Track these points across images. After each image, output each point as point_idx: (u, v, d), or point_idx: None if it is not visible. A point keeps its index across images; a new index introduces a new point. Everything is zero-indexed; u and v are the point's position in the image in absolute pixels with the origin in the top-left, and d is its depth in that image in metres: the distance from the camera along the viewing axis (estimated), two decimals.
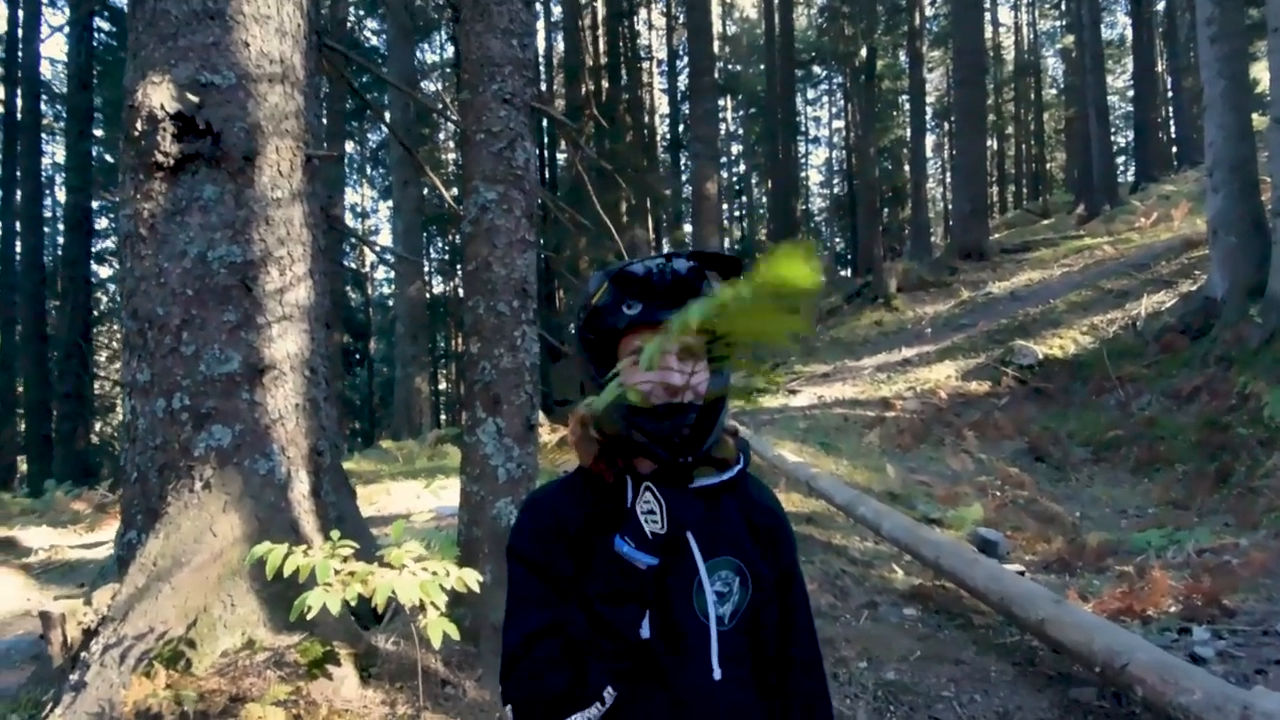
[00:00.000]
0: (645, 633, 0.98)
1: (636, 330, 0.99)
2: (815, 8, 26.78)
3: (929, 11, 23.02)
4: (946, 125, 28.13)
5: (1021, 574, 4.61)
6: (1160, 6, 20.21)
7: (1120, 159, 25.46)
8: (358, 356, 25.26)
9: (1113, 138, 20.80)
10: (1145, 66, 18.49)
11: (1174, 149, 20.12)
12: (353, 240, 17.98)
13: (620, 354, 1.02)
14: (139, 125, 2.69)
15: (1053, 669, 3.07)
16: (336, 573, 2.02)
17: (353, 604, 1.95)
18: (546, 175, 21.06)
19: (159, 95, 2.71)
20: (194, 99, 2.74)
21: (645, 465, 1.02)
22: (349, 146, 24.77)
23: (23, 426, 15.79)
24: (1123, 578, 4.87)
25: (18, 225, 15.46)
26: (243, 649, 2.42)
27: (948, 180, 28.93)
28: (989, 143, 25.21)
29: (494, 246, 2.95)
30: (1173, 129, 20.73)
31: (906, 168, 23.39)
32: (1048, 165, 29.21)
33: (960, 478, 7.85)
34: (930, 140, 29.41)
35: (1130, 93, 23.10)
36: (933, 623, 3.67)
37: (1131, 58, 20.22)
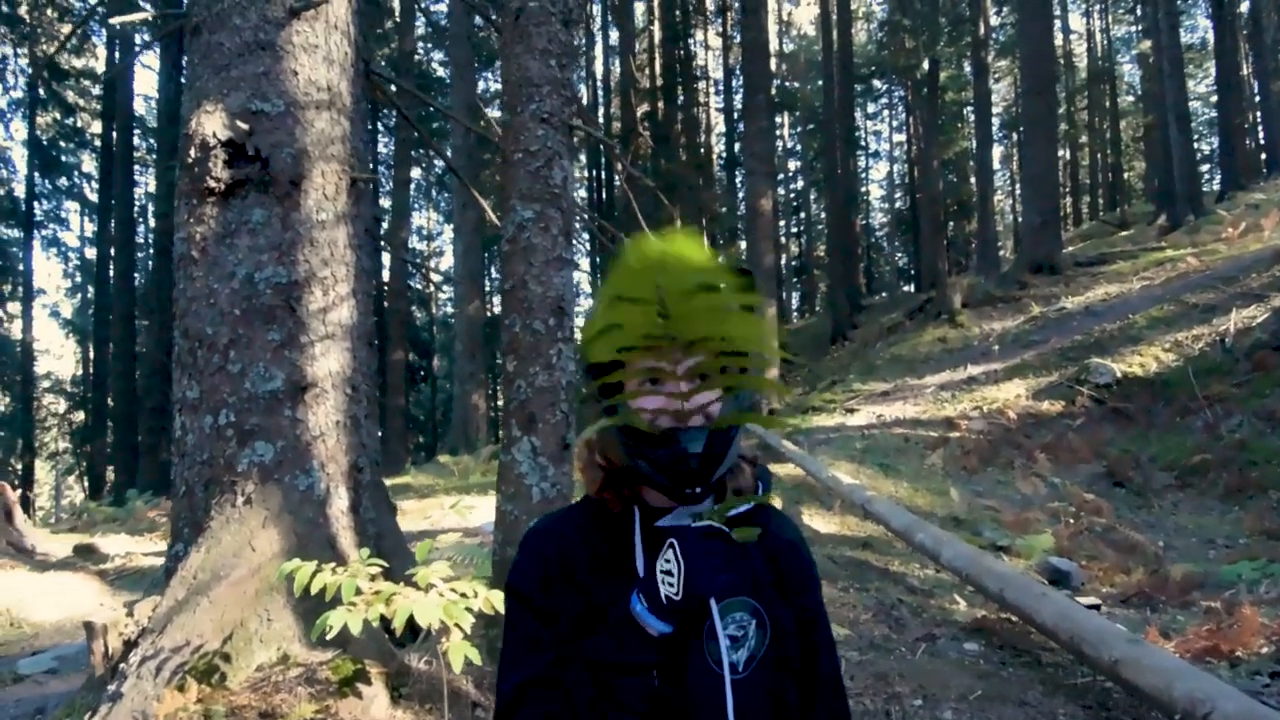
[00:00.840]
0: (655, 682, 0.91)
1: (640, 351, 0.93)
2: (875, 22, 26.42)
3: (994, 21, 22.38)
4: (1015, 136, 27.18)
5: (1096, 608, 4.29)
6: (1244, 8, 19.09)
7: (1204, 167, 24.06)
8: (422, 374, 25.98)
9: (1196, 145, 19.67)
10: (1229, 70, 17.44)
11: (1262, 155, 18.88)
12: (407, 261, 18.53)
13: (626, 375, 0.95)
14: (193, 152, 2.81)
15: (1127, 714, 2.81)
16: (361, 591, 2.00)
17: (374, 624, 1.93)
18: (602, 195, 21.29)
19: (212, 123, 2.82)
20: (244, 126, 2.84)
21: (655, 496, 0.95)
22: (415, 173, 25.74)
23: (111, 439, 16.79)
24: (1209, 614, 4.49)
25: (112, 251, 16.58)
26: (277, 664, 2.44)
27: (1017, 193, 27.87)
28: (1062, 153, 24.25)
29: (530, 265, 2.94)
30: (1260, 135, 19.47)
31: (972, 180, 22.68)
32: (1125, 175, 27.86)
33: (1031, 503, 7.44)
34: (998, 152, 28.48)
35: (1213, 98, 21.83)
36: (996, 659, 3.44)
37: (1214, 61, 19.12)
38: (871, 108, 31.55)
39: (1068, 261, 14.00)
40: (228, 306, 2.80)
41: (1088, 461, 8.26)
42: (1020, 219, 19.58)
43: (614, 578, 0.94)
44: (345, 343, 2.94)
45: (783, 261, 26.52)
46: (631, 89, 16.78)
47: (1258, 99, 18.75)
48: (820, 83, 24.93)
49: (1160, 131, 18.10)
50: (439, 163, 25.83)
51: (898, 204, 32.16)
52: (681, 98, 18.89)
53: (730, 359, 0.86)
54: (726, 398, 0.92)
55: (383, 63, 16.17)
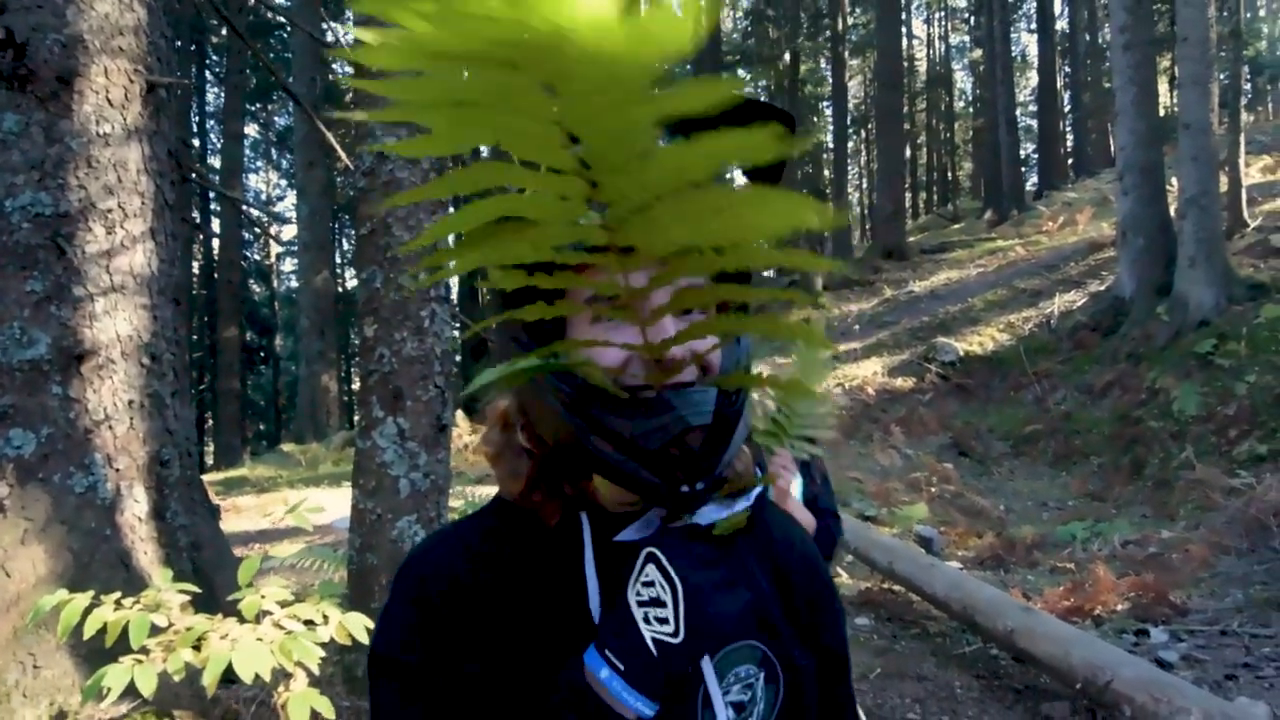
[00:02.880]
0: None
1: (598, 257, 0.55)
2: (741, 10, 26.95)
3: (849, 20, 23.52)
4: (864, 132, 28.90)
5: (961, 572, 4.46)
6: (1062, 25, 21.31)
7: (1023, 169, 26.82)
8: (262, 354, 23.73)
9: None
10: (1047, 81, 19.42)
11: (1070, 160, 21.26)
12: (245, 219, 16.71)
13: (573, 295, 0.57)
14: None
15: (1019, 682, 2.84)
16: (160, 630, 1.49)
17: (177, 677, 1.42)
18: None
19: None
20: None
21: (614, 493, 0.61)
22: (251, 130, 23.14)
23: None
24: (1058, 573, 4.82)
25: None
26: None
27: (864, 185, 29.80)
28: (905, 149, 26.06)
29: (395, 205, 2.45)
30: (1069, 141, 21.91)
31: (826, 171, 23.83)
32: (957, 173, 30.49)
33: (890, 473, 7.79)
34: (849, 145, 30.14)
35: (1032, 106, 24.30)
36: (888, 632, 3.41)
37: (1036, 72, 21.23)
38: None
39: (914, 249, 15.00)
40: None
41: (936, 433, 8.82)
42: (872, 208, 20.86)
43: (551, 629, 0.59)
44: (141, 298, 2.29)
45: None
46: None
47: (1069, 109, 21.03)
48: (689, 67, 25.12)
49: (990, 133, 19.84)
50: (280, 119, 23.43)
51: None
52: None
53: (729, 281, 0.50)
54: (727, 344, 0.58)
55: None
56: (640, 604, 0.53)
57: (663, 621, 0.52)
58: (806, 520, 1.41)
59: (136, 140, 2.31)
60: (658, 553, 0.54)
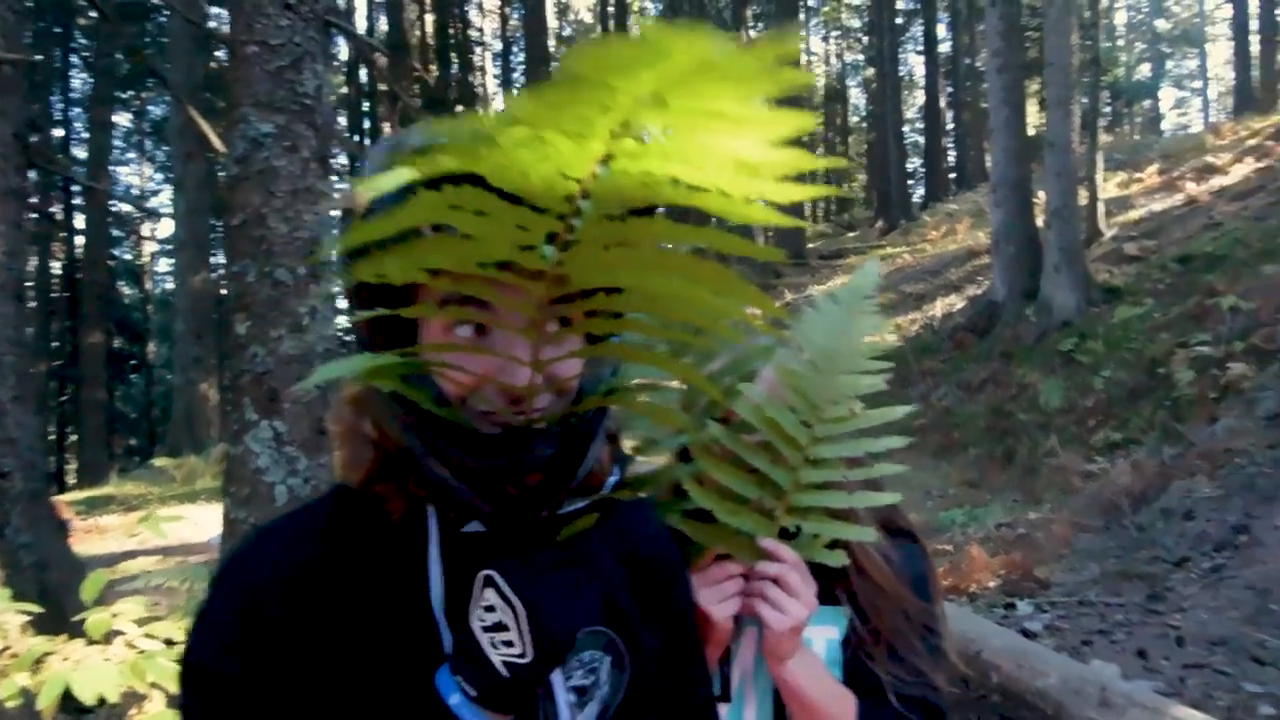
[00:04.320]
0: None
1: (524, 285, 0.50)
2: (649, 17, 27.33)
3: (751, 34, 24.31)
4: None
5: None
6: (945, 48, 22.84)
7: (910, 182, 28.55)
8: (133, 362, 21.92)
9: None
10: (932, 101, 20.77)
11: (952, 174, 22.81)
12: (113, 215, 15.46)
13: (423, 300, 0.54)
14: None
15: None
16: None
17: (9, 703, 1.27)
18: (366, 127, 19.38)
19: None
20: None
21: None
22: (123, 119, 21.35)
23: None
24: (939, 555, 5.13)
25: None
26: None
27: None
28: None
29: (270, 195, 2.32)
30: (951, 156, 23.50)
31: None
32: (851, 184, 32.09)
33: None
34: None
35: (920, 123, 25.90)
36: None
37: (923, 92, 22.65)
38: None
39: (813, 255, 15.65)
40: None
41: None
42: None
43: (391, 628, 0.56)
44: None
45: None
46: (406, 46, 15.47)
47: (952, 127, 22.52)
48: None
49: (881, 148, 21.02)
50: (155, 108, 21.71)
51: None
52: (456, 63, 17.86)
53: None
54: (593, 365, 0.58)
55: None
56: (485, 629, 0.52)
57: (509, 644, 0.51)
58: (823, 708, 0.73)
59: None
60: (495, 576, 0.52)
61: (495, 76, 25.10)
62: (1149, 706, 1.95)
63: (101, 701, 1.34)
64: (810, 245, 18.21)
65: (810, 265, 14.91)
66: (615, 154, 0.36)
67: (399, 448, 0.57)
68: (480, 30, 23.51)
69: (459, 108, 17.52)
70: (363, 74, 17.29)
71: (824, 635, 0.77)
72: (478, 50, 21.99)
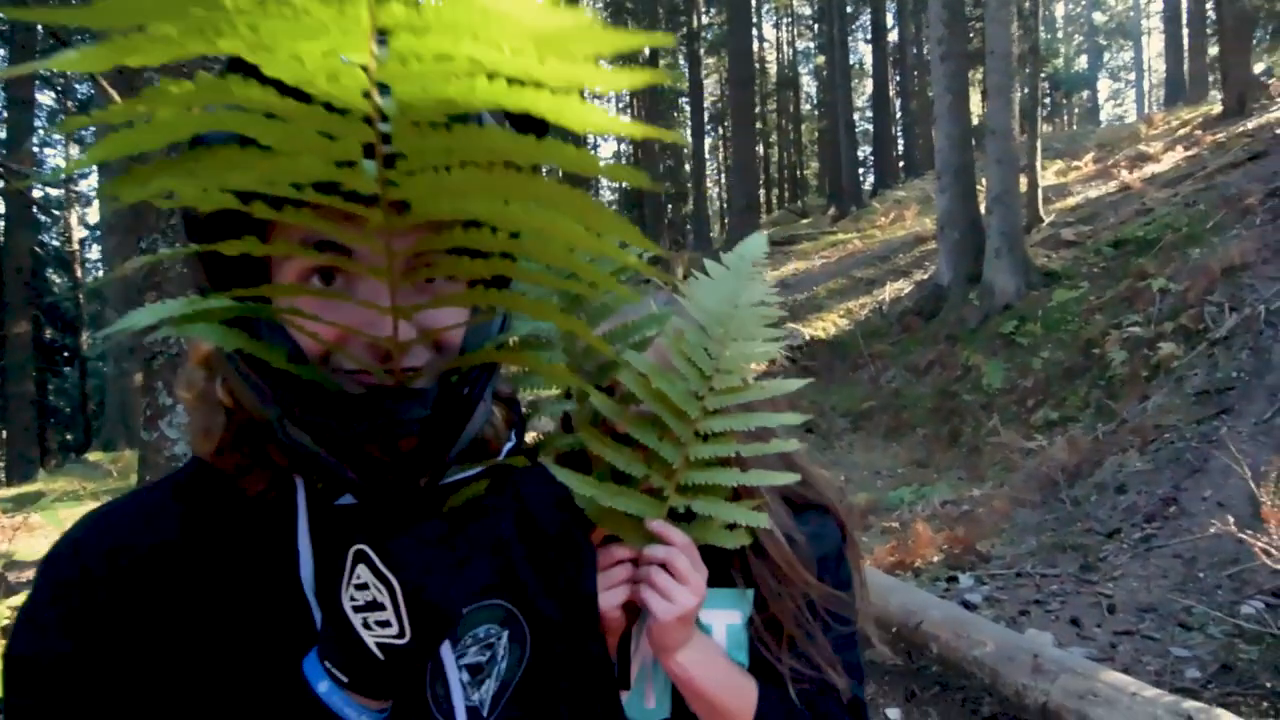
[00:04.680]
0: None
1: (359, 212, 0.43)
2: (601, 2, 27.02)
3: (705, 20, 24.26)
4: (721, 129, 30.00)
5: None
6: (893, 37, 23.17)
7: (860, 169, 29.03)
8: (66, 354, 20.92)
9: (858, 149, 23.52)
10: (881, 89, 21.06)
11: (901, 161, 23.24)
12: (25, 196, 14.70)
13: (274, 243, 0.48)
14: None
15: None
16: None
17: None
18: None
19: None
20: None
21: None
22: (46, 99, 20.18)
23: None
24: (886, 533, 5.23)
25: None
26: None
27: (722, 180, 31.02)
28: (757, 148, 27.33)
29: None
30: (900, 144, 23.93)
31: (687, 166, 24.49)
32: (804, 171, 32.45)
33: None
34: (707, 143, 31.19)
35: (869, 111, 26.29)
36: None
37: (871, 80, 22.95)
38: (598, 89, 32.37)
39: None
40: None
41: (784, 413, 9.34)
42: (727, 204, 21.73)
43: (256, 610, 0.50)
44: None
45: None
46: None
47: (900, 114, 22.92)
48: None
49: (831, 135, 21.26)
50: (82, 85, 20.57)
51: (625, 184, 33.65)
52: None
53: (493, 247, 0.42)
54: (476, 319, 0.52)
55: None
56: (356, 609, 0.46)
57: (384, 625, 0.46)
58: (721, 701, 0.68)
59: None
60: (367, 551, 0.46)
61: None
62: (1079, 672, 1.99)
63: None
64: (764, 233, 18.33)
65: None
66: (389, 26, 0.29)
67: (254, 415, 0.50)
68: None
69: None
70: None
71: (725, 620, 0.71)
72: None
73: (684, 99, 25.67)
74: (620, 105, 33.42)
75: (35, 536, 6.68)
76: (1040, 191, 10.30)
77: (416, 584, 0.46)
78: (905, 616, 2.54)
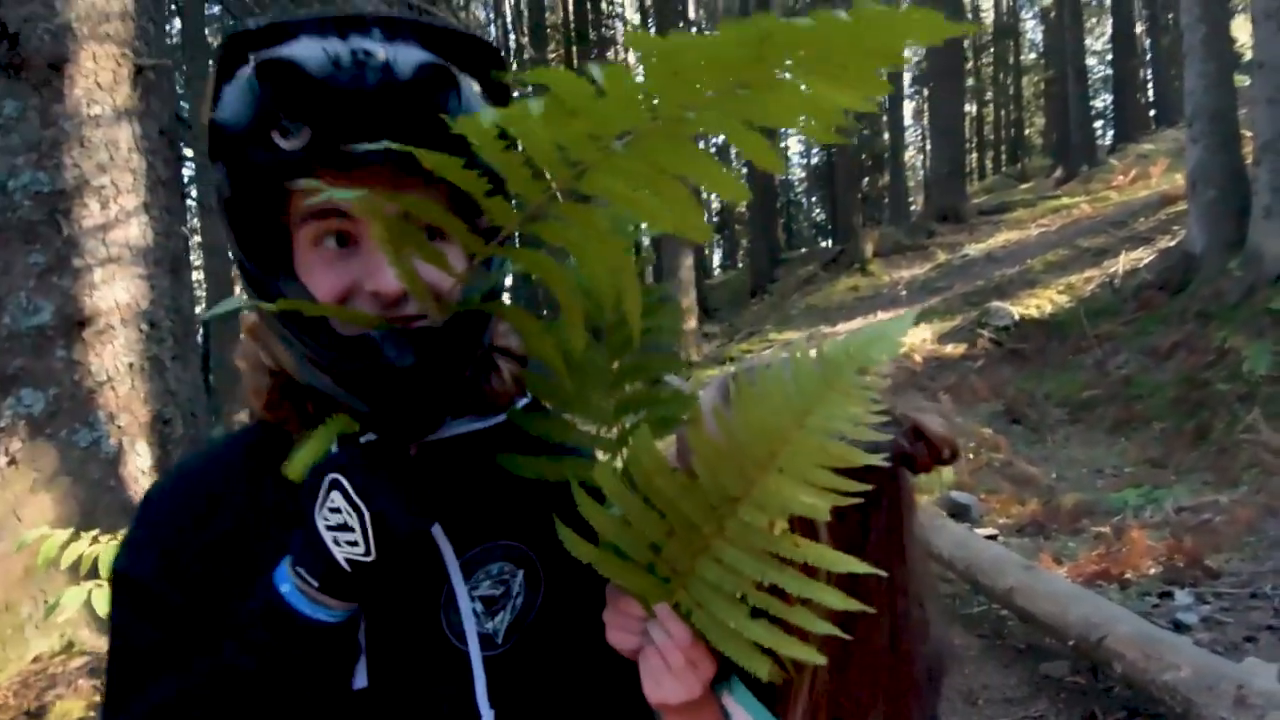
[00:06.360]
0: (360, 682, 0.60)
1: (317, 173, 0.53)
2: None
3: None
4: (926, 91, 27.65)
5: (993, 538, 4.33)
6: None
7: (1099, 122, 25.20)
8: None
9: (1091, 100, 20.49)
10: (1123, 26, 18.12)
11: (1152, 110, 19.83)
12: None
13: (292, 215, 0.57)
14: None
15: (1022, 641, 2.76)
16: None
17: None
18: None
19: None
20: None
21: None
22: None
23: None
24: (1098, 539, 4.62)
25: None
26: (59, 654, 2.03)
27: (927, 148, 28.53)
28: (968, 108, 24.82)
29: None
30: (1150, 90, 20.43)
31: (885, 135, 22.97)
32: (1026, 130, 28.89)
33: None
34: (910, 107, 28.96)
35: (1109, 55, 22.73)
36: None
37: (1110, 17, 19.84)
38: None
39: (972, 210, 14.36)
40: None
41: (987, 400, 8.52)
42: (929, 170, 20.04)
43: (284, 542, 0.61)
44: (137, 268, 2.47)
45: (705, 218, 26.33)
46: (539, 27, 15.99)
47: (1149, 55, 19.59)
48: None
49: (1059, 86, 18.72)
50: None
51: (814, 160, 32.41)
52: (595, 38, 18.17)
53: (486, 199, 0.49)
54: (475, 267, 0.57)
55: None
56: (329, 528, 0.55)
57: (353, 544, 0.55)
58: None
59: (126, 120, 2.47)
60: (342, 480, 0.55)
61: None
62: None
63: None
64: (975, 200, 16.73)
65: (969, 222, 13.68)
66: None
67: (290, 373, 0.62)
68: (619, 4, 23.68)
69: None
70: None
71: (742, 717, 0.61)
72: (616, 25, 22.24)
73: None
74: None
75: None
76: None
77: (381, 514, 0.54)
78: (1086, 630, 2.26)
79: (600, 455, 0.67)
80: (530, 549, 0.67)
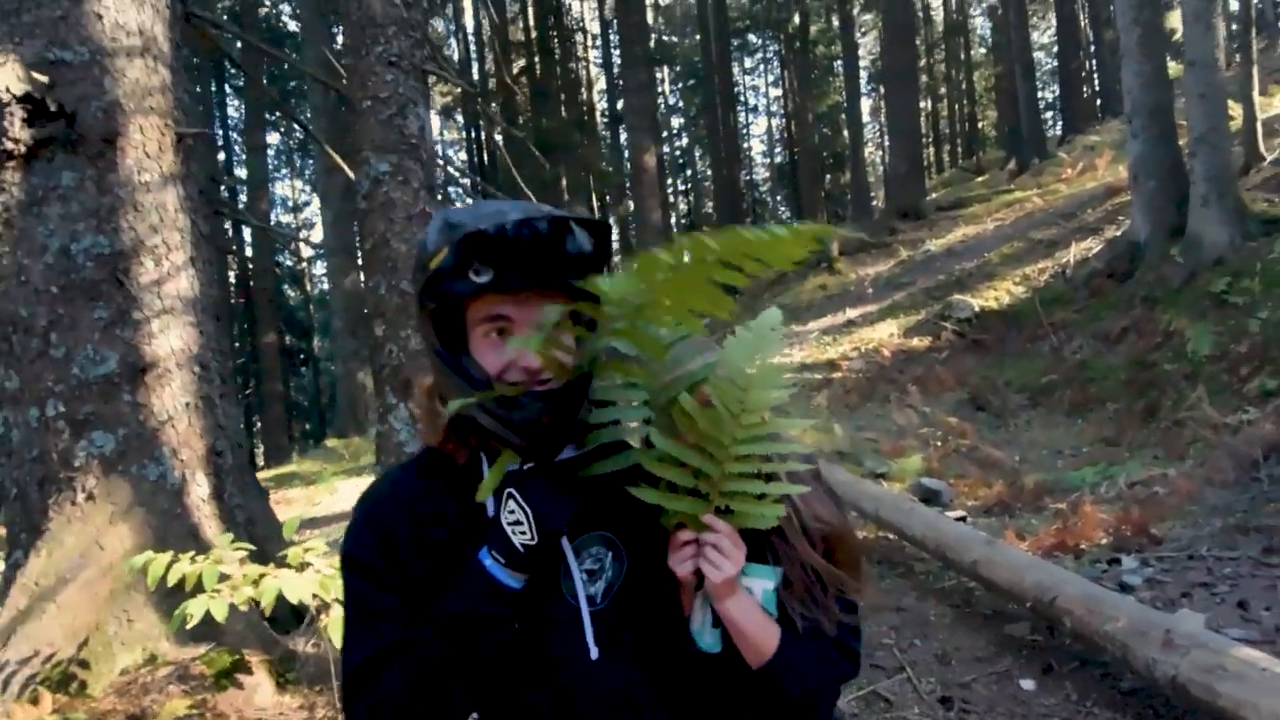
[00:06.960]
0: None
1: (484, 297, 0.87)
2: None
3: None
4: (882, 89, 28.34)
5: (962, 519, 4.69)
6: None
7: (1048, 114, 26.08)
8: (302, 356, 24.52)
9: (1040, 93, 21.26)
10: (1067, 20, 18.89)
11: (1098, 101, 20.67)
12: (270, 232, 17.33)
13: (469, 323, 0.89)
14: None
15: (989, 608, 3.11)
16: (227, 577, 1.88)
17: (242, 608, 1.82)
18: (482, 157, 20.58)
19: (4, 77, 2.47)
20: (43, 79, 2.51)
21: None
22: (273, 139, 23.79)
23: None
24: (1057, 515, 5.01)
25: None
26: (144, 665, 2.27)
27: (886, 144, 29.24)
28: (923, 104, 25.52)
29: (391, 221, 2.80)
30: (1096, 81, 21.28)
31: (845, 133, 23.56)
32: (980, 124, 29.75)
33: (905, 432, 7.98)
34: (867, 105, 29.63)
35: (1055, 48, 23.59)
36: (874, 573, 3.70)
37: (1055, 12, 20.63)
38: (749, 62, 31.96)
39: (931, 207, 14.89)
40: (42, 284, 2.50)
41: (953, 390, 8.94)
42: (888, 169, 20.64)
43: (463, 533, 0.91)
44: (188, 317, 2.71)
45: (671, 219, 26.72)
46: (503, 43, 16.17)
47: (1093, 48, 20.39)
48: (698, 37, 25.02)
49: (1008, 81, 19.43)
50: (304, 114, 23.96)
51: (778, 158, 32.98)
52: (559, 52, 18.41)
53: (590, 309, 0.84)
54: (584, 344, 0.90)
55: (224, 16, 14.71)
56: (509, 524, 0.86)
57: (523, 533, 0.86)
58: (756, 642, 0.94)
59: (172, 184, 2.71)
60: (514, 493, 0.87)
61: (597, 64, 25.50)
62: (1211, 648, 2.00)
63: (301, 613, 1.83)
64: (933, 196, 17.30)
65: (929, 219, 14.21)
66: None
67: (460, 416, 0.91)
68: (580, 18, 23.95)
69: (563, 96, 18.02)
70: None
71: (760, 585, 0.99)
72: (578, 39, 22.50)
73: (838, 62, 24.61)
74: (772, 80, 32.74)
75: (292, 508, 8.23)
76: (1259, 126, 8.91)
77: (541, 512, 0.85)
78: (1040, 593, 2.61)
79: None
80: (617, 537, 0.97)
